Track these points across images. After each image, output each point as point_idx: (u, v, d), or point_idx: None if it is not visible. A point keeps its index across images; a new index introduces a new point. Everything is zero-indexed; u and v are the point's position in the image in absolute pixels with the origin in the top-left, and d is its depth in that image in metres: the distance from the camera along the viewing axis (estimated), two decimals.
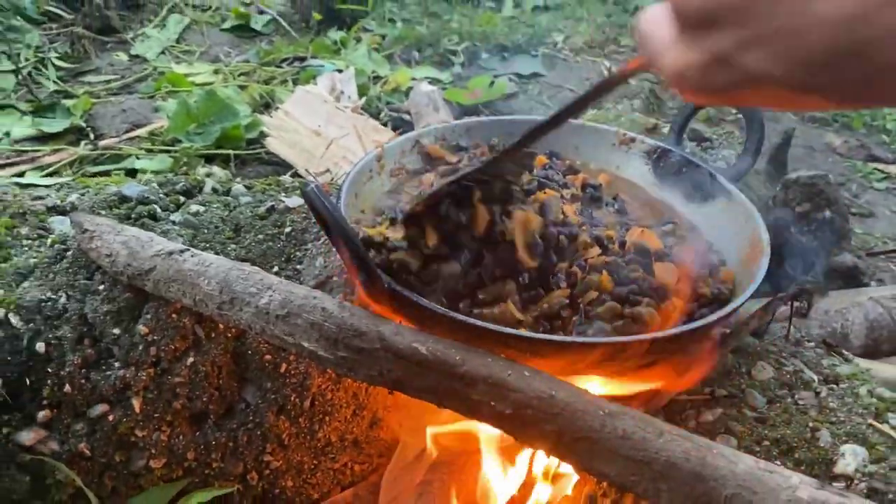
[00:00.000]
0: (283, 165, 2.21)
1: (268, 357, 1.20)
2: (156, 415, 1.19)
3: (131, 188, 1.32)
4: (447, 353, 0.96)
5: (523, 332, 0.96)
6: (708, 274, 1.12)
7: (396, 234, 1.13)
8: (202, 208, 1.32)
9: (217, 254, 1.26)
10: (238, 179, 1.93)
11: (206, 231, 1.28)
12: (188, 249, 1.12)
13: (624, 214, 1.28)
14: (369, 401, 1.27)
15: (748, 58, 0.42)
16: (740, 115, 2.84)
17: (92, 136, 2.39)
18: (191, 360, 1.19)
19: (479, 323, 0.97)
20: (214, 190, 1.40)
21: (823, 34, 0.39)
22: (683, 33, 0.45)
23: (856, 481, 0.95)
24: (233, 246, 1.27)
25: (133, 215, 1.29)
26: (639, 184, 1.38)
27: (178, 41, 3.05)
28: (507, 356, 0.97)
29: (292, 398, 1.21)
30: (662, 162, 1.37)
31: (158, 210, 1.31)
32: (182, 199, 1.36)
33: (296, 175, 2.08)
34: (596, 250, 1.10)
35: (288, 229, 1.30)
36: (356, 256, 0.97)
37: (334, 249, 1.11)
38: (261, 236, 1.28)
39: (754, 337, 1.17)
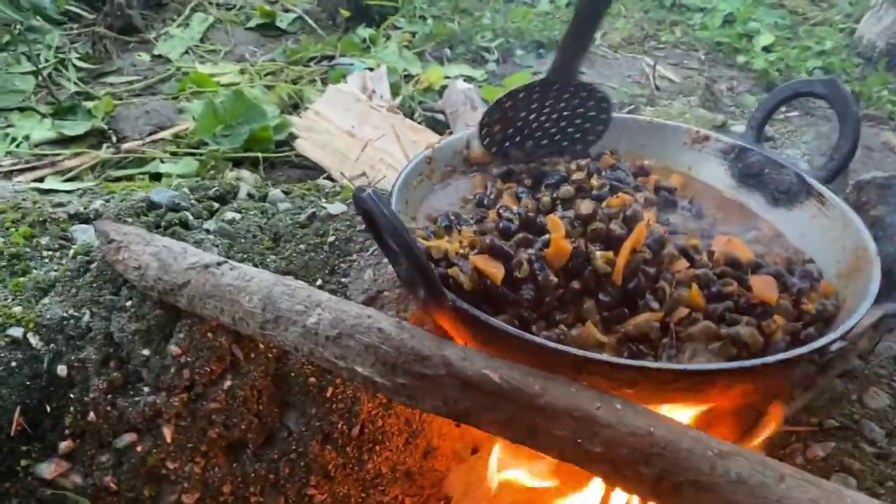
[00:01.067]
0: (314, 168, 2.09)
1: (312, 380, 1.09)
2: (189, 445, 1.07)
3: (160, 193, 1.21)
4: (524, 382, 0.84)
5: (614, 357, 0.84)
6: (809, 287, 0.99)
7: (453, 246, 1.01)
8: (238, 216, 1.21)
9: (256, 266, 1.14)
10: (270, 183, 1.83)
11: (243, 241, 1.17)
12: (226, 262, 1.00)
13: (702, 220, 1.15)
14: (424, 428, 1.15)
15: None
16: (805, 114, 2.71)
17: (114, 138, 2.29)
18: (228, 383, 1.07)
19: (559, 347, 0.85)
20: (250, 196, 1.28)
21: None
22: None
23: None
24: (272, 257, 1.15)
25: (163, 223, 1.18)
26: (715, 186, 1.26)
27: (201, 41, 2.95)
28: (589, 385, 0.85)
29: (339, 425, 1.09)
30: (741, 162, 1.25)
31: (191, 217, 1.19)
32: (216, 205, 1.25)
33: (330, 179, 1.96)
34: (683, 263, 0.97)
35: (331, 238, 1.18)
36: (419, 269, 0.85)
37: (385, 261, 0.99)
38: (302, 246, 1.17)
39: (860, 359, 1.04)
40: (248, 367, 1.07)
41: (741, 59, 3.06)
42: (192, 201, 1.23)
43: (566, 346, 0.85)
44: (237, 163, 2.15)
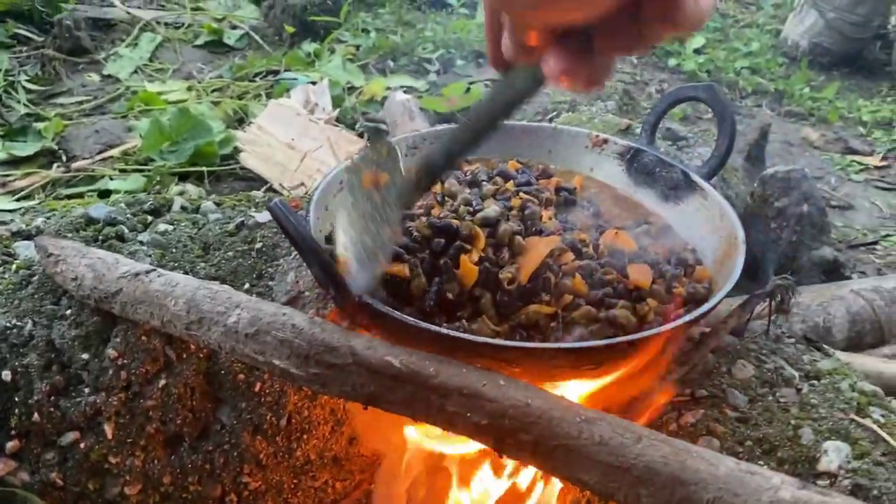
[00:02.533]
0: (258, 181, 2.19)
1: (241, 376, 1.18)
2: (129, 440, 1.16)
3: (98, 209, 1.30)
4: (421, 365, 0.94)
5: (490, 339, 0.95)
6: (683, 274, 1.11)
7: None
8: (170, 227, 1.30)
9: (186, 273, 1.24)
10: (212, 196, 1.91)
11: (174, 250, 1.26)
12: (154, 270, 1.10)
13: (599, 217, 1.27)
14: (348, 417, 1.24)
15: None
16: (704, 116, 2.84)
17: (64, 158, 2.36)
18: (162, 382, 1.16)
19: (451, 333, 0.95)
20: (183, 208, 1.38)
21: None
22: None
23: (839, 478, 0.94)
24: (202, 264, 1.24)
25: (100, 237, 1.26)
26: (613, 185, 1.37)
27: (150, 59, 3.02)
28: (482, 366, 0.95)
29: (268, 417, 1.18)
30: (636, 162, 1.36)
31: (126, 231, 1.28)
32: (150, 218, 1.34)
33: (270, 190, 2.06)
34: (570, 255, 1.08)
35: (258, 245, 1.28)
36: (325, 271, 0.95)
37: (305, 264, 1.09)
38: (230, 253, 1.26)
39: (734, 336, 1.16)
40: (180, 367, 1.16)
41: (672, 61, 3.21)
42: (129, 215, 1.32)
43: (459, 333, 0.96)
44: (183, 177, 2.23)
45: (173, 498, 1.20)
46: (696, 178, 1.26)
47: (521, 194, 1.19)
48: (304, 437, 1.21)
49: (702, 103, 1.36)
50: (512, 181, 1.23)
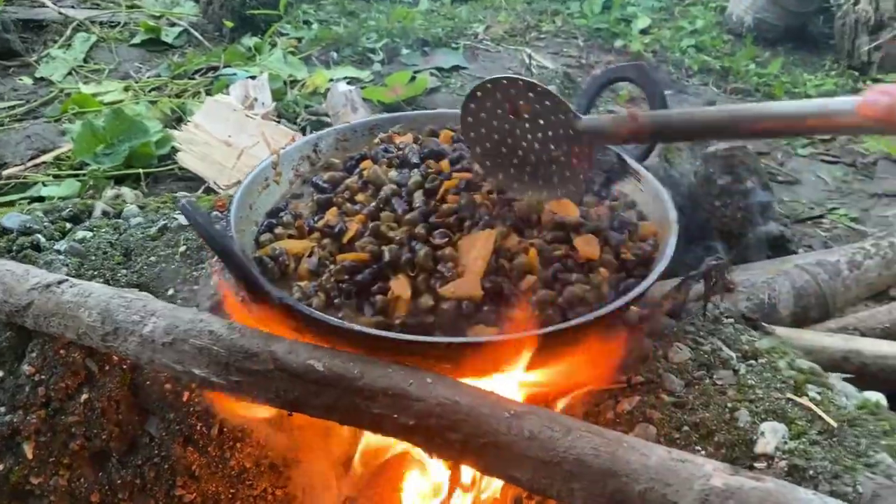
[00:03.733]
0: (197, 180, 2.13)
1: (168, 386, 1.13)
2: (51, 459, 1.11)
3: (11, 219, 1.24)
4: (345, 368, 0.91)
5: (416, 337, 0.91)
6: (628, 237, 1.07)
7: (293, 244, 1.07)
8: (90, 234, 1.25)
9: (107, 281, 1.19)
10: (150, 199, 1.86)
11: (93, 258, 1.21)
12: (66, 280, 1.05)
13: None
14: (284, 422, 1.20)
15: None
16: None
17: None
18: (84, 396, 1.11)
19: (374, 332, 0.92)
20: (105, 213, 1.32)
21: None
22: None
23: (776, 460, 0.92)
24: (123, 271, 1.19)
25: (14, 248, 1.21)
26: None
27: (85, 60, 2.93)
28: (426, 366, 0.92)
29: (198, 427, 1.14)
30: None
31: (42, 239, 1.23)
32: (69, 225, 1.28)
33: (208, 189, 2.00)
34: (514, 238, 1.02)
35: (182, 248, 1.23)
36: (236, 271, 0.91)
37: None
38: (153, 258, 1.21)
39: (671, 318, 1.14)
40: (103, 380, 1.12)
41: (619, 43, 3.20)
42: (45, 223, 1.26)
43: (381, 332, 0.93)
44: (120, 180, 2.16)
45: None
46: (630, 160, 1.24)
47: (454, 175, 1.14)
48: (238, 445, 1.17)
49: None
50: (446, 160, 1.17)
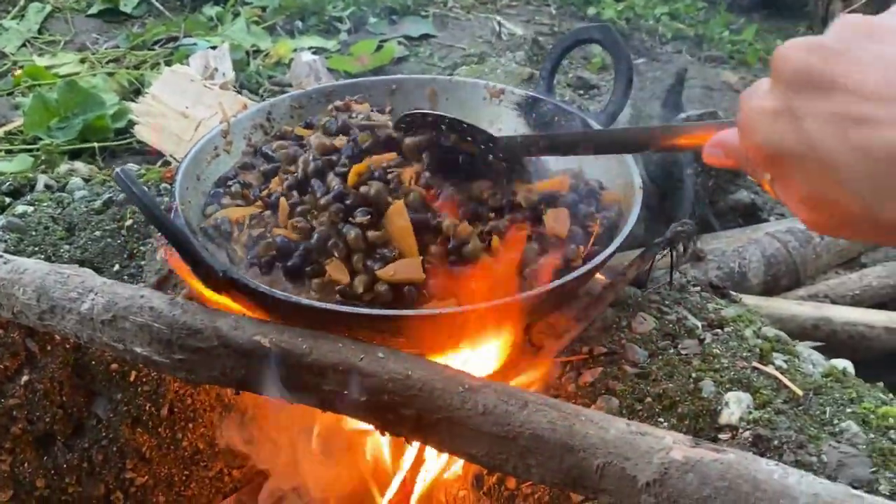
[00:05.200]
0: (156, 154, 2.06)
1: (114, 366, 1.09)
2: None
3: None
4: (293, 343, 0.87)
5: (363, 310, 0.87)
6: (594, 210, 1.03)
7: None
8: (30, 209, 1.19)
9: (48, 257, 1.13)
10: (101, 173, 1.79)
11: (34, 233, 1.15)
12: (0, 256, 0.99)
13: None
14: (237, 400, 1.16)
15: (808, 123, 0.46)
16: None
17: None
18: (25, 378, 1.07)
19: (320, 305, 0.88)
20: (48, 187, 1.26)
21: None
22: (774, 86, 0.49)
23: (741, 430, 0.90)
24: (66, 246, 1.14)
25: None
26: None
27: (39, 32, 2.82)
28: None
29: (147, 407, 1.10)
30: (535, 112, 1.29)
31: None
32: (9, 200, 1.22)
33: (166, 163, 1.93)
34: (466, 227, 0.97)
35: (129, 222, 1.18)
36: (176, 245, 0.86)
37: None
38: (98, 233, 1.16)
39: (636, 287, 1.11)
40: (45, 360, 1.07)
41: (592, 10, 3.14)
42: None
43: (327, 304, 0.89)
44: (76, 154, 2.09)
45: (52, 501, 1.11)
46: (595, 125, 1.20)
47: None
48: (190, 425, 1.13)
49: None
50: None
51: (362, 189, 0.94)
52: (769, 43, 3.08)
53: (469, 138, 0.99)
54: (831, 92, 0.45)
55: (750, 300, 1.43)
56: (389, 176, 0.96)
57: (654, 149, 0.84)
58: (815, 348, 1.13)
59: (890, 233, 0.46)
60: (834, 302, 1.60)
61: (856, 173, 0.44)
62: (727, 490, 0.72)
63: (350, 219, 0.92)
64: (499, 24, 2.72)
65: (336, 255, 0.91)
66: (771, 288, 1.63)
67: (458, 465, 1.14)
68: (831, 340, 1.50)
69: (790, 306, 1.50)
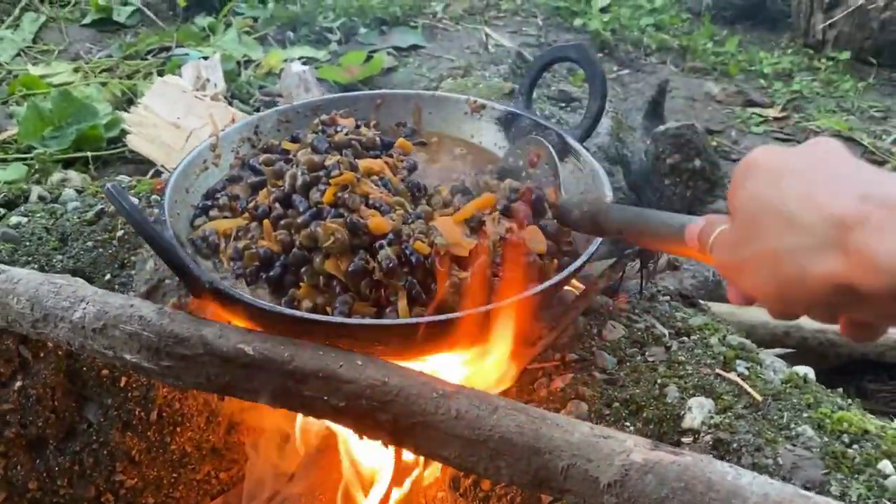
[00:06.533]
0: (147, 163, 2.10)
1: (105, 371, 1.13)
2: None
3: None
4: (275, 351, 0.91)
5: (345, 319, 0.92)
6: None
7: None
8: (24, 219, 1.23)
9: (42, 267, 1.17)
10: (94, 183, 1.83)
11: (28, 244, 1.19)
12: None
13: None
14: (223, 406, 1.20)
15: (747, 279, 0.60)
16: (609, 75, 2.84)
17: None
18: (18, 384, 1.10)
19: (300, 314, 0.92)
20: (41, 198, 1.30)
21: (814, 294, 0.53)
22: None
23: (702, 434, 0.94)
24: (59, 257, 1.18)
25: None
26: (492, 151, 1.34)
27: (34, 41, 2.87)
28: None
29: (137, 412, 1.14)
30: (514, 127, 1.33)
31: None
32: (3, 211, 1.26)
33: (158, 173, 1.97)
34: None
35: (120, 233, 1.21)
36: (164, 257, 0.90)
37: None
38: (90, 243, 1.20)
39: (608, 297, 1.16)
40: (38, 367, 1.11)
41: (578, 21, 3.19)
42: None
43: (306, 314, 0.93)
44: (69, 164, 2.13)
45: (44, 503, 1.15)
46: (570, 140, 1.24)
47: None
48: (178, 429, 1.17)
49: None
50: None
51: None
52: (752, 54, 3.14)
53: None
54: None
55: (722, 308, 1.48)
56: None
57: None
58: (785, 355, 1.18)
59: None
60: None
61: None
62: (683, 490, 0.76)
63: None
64: (486, 35, 2.77)
65: (305, 279, 0.95)
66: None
67: (437, 468, 1.18)
68: (801, 347, 1.55)
69: (761, 314, 1.54)
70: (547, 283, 0.95)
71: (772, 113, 2.76)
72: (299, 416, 1.22)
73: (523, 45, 2.76)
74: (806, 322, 1.56)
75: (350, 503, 1.15)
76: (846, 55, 3.07)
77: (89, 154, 2.10)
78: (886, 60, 3.07)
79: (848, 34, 3.10)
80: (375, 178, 1.06)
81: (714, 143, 2.42)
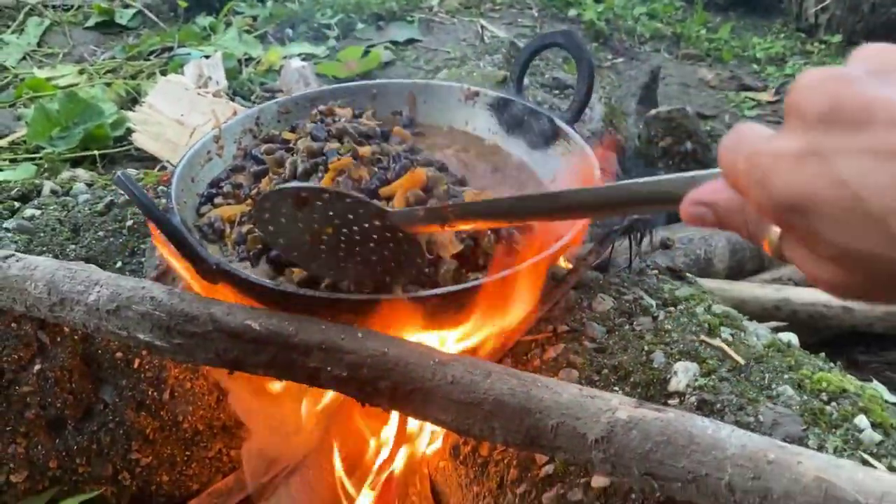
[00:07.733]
0: (153, 160, 2.15)
1: (119, 354, 1.18)
2: (8, 428, 1.15)
3: None
4: (280, 326, 0.96)
5: (343, 295, 0.97)
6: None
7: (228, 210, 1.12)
8: (38, 212, 1.28)
9: (56, 256, 1.22)
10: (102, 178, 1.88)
11: (42, 234, 1.24)
12: (12, 255, 1.08)
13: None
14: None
15: (843, 163, 0.39)
16: (604, 64, 2.88)
17: None
18: (38, 367, 1.16)
19: (300, 291, 0.97)
20: (54, 192, 1.35)
21: None
22: (793, 126, 0.42)
23: (687, 395, 0.99)
24: (72, 246, 1.23)
25: None
26: (485, 137, 1.39)
27: (39, 45, 2.92)
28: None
29: (150, 392, 1.19)
30: (506, 113, 1.38)
31: None
32: (17, 204, 1.31)
33: (163, 169, 2.03)
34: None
35: (130, 223, 1.27)
36: (174, 241, 0.96)
37: None
38: (101, 233, 1.25)
39: (599, 272, 1.20)
40: (55, 350, 1.16)
41: (572, 12, 3.23)
42: None
43: (307, 291, 0.98)
44: (77, 162, 2.18)
45: (63, 481, 1.20)
46: (560, 123, 1.29)
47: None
48: (190, 409, 1.22)
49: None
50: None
51: None
52: (745, 40, 3.18)
53: (352, 215, 0.89)
54: (869, 126, 0.39)
55: (713, 283, 1.53)
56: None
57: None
58: (777, 329, 1.22)
59: None
60: (797, 284, 1.69)
61: None
62: (666, 444, 0.81)
63: None
64: (482, 27, 2.81)
65: None
66: (736, 273, 1.72)
67: (439, 441, 1.23)
68: (792, 320, 1.59)
69: (752, 289, 1.59)
70: (533, 259, 1.00)
71: (765, 97, 2.81)
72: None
73: (518, 36, 2.80)
74: (795, 295, 1.61)
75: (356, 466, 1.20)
76: (838, 38, 3.10)
77: (96, 152, 2.16)
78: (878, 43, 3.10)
79: (840, 17, 3.13)
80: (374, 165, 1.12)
81: (708, 128, 2.46)
